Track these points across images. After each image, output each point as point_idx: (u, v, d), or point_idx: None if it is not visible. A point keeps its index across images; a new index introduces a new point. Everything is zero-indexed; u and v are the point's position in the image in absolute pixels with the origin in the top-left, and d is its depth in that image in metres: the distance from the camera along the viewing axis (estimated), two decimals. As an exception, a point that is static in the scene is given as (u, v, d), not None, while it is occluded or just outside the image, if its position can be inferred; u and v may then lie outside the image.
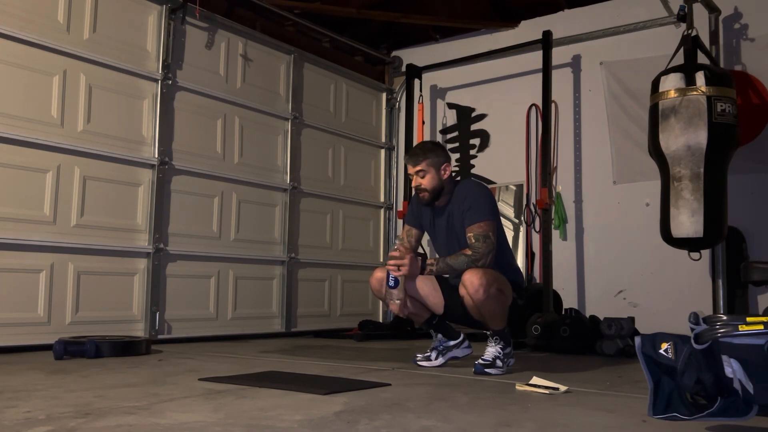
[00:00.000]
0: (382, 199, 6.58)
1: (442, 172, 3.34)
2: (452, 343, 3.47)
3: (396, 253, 3.21)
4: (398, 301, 3.23)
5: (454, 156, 6.18)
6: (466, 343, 3.52)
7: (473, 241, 3.19)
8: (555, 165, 5.55)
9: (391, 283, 3.21)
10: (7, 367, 3.12)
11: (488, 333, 3.26)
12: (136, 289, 4.45)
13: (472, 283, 3.07)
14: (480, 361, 3.15)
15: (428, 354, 3.45)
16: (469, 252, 3.18)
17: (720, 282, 4.55)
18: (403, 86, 6.39)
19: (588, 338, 4.30)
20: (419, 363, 3.41)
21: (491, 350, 3.18)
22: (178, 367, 3.25)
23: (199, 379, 2.77)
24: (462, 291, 3.15)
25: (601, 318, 4.38)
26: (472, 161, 6.16)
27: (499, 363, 3.15)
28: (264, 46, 5.47)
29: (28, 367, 3.12)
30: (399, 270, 3.18)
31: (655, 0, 5.08)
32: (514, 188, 5.91)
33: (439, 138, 6.25)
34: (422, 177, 3.33)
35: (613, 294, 5.26)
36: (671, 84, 4.13)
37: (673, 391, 1.81)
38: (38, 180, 4.01)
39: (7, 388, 2.48)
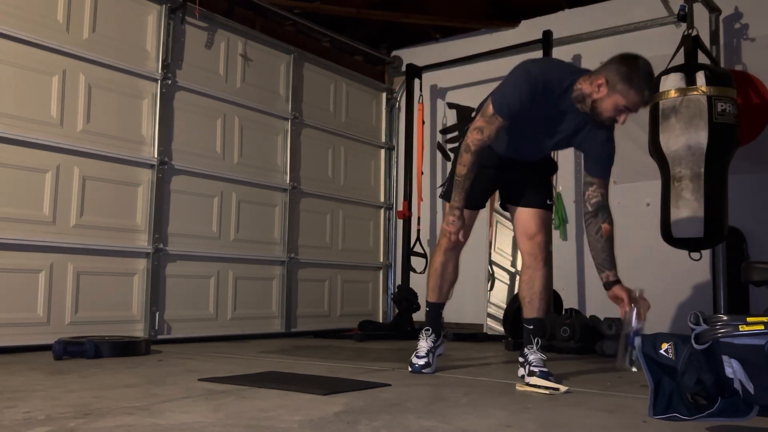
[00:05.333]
0: (382, 199, 6.57)
1: None
2: (438, 346, 3.32)
3: None
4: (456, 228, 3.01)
5: (454, 156, 6.16)
6: (442, 340, 3.38)
7: (603, 199, 2.96)
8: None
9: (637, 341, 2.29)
10: (7, 367, 3.11)
11: (528, 328, 3.11)
12: (136, 290, 4.45)
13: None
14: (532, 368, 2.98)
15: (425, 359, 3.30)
16: (607, 225, 2.94)
17: (720, 282, 4.54)
18: (403, 86, 6.38)
19: (588, 338, 4.30)
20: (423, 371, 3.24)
21: (534, 357, 3.02)
22: (178, 367, 3.25)
23: (199, 380, 2.76)
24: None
25: (601, 318, 4.38)
26: (472, 161, 6.13)
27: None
28: (264, 46, 5.46)
29: (27, 367, 3.11)
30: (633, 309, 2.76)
31: (655, 0, 5.07)
32: (514, 188, 5.89)
33: (438, 138, 6.24)
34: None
35: (613, 294, 5.25)
36: (671, 84, 4.12)
37: (674, 392, 1.81)
38: (38, 180, 4.01)
39: (7, 388, 2.47)
